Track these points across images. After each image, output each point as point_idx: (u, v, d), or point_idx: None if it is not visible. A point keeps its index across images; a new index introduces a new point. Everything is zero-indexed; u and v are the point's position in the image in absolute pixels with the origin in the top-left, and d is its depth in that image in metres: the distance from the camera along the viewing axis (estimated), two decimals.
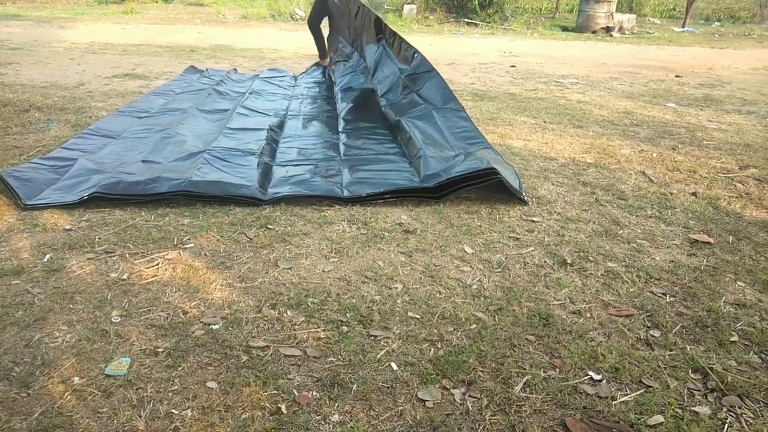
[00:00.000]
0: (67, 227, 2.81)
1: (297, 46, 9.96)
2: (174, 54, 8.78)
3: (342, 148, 4.15)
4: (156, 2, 17.94)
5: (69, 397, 1.73)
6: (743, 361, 2.00)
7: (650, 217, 3.18)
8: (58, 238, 2.70)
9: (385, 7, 16.67)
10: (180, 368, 1.86)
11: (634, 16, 15.24)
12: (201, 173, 3.34)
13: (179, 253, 2.60)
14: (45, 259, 2.50)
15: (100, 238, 2.71)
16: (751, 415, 1.76)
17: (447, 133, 4.04)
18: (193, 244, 2.69)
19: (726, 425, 1.72)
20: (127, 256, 2.56)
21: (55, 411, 1.67)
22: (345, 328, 2.09)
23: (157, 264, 2.50)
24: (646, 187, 3.63)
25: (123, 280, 2.37)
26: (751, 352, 2.06)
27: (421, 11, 15.61)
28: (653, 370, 1.94)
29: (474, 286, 2.42)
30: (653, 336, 2.13)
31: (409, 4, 15.74)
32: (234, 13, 16.06)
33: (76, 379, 1.80)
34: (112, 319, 2.10)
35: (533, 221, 3.06)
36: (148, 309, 2.18)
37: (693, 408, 1.78)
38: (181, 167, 3.48)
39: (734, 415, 1.76)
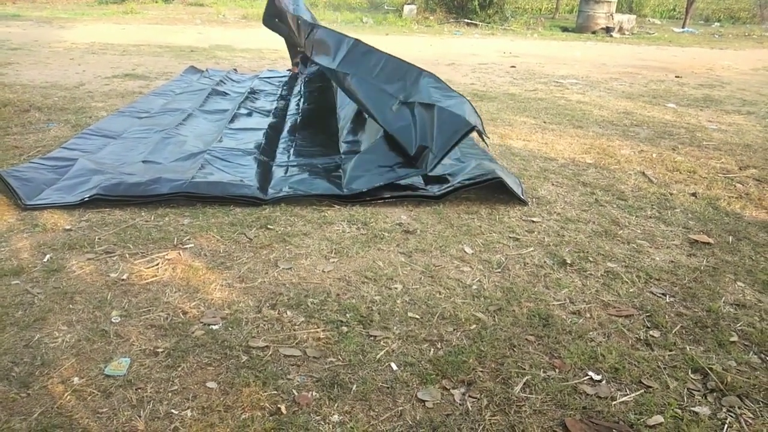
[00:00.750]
0: (67, 227, 2.81)
1: None
2: (174, 54, 8.78)
3: (342, 146, 4.15)
4: (156, 2, 17.95)
5: (69, 397, 1.73)
6: (743, 362, 2.00)
7: (650, 217, 3.18)
8: (58, 238, 2.70)
9: (386, 7, 16.69)
10: (180, 368, 1.86)
11: (634, 16, 15.26)
12: (202, 174, 3.34)
13: (179, 253, 2.61)
14: (45, 260, 2.51)
15: (100, 239, 2.71)
16: (751, 416, 1.76)
17: (379, 81, 3.87)
18: (193, 245, 2.69)
19: (726, 425, 1.72)
20: (127, 256, 2.57)
21: (55, 411, 1.67)
22: (345, 329, 2.09)
23: (157, 264, 2.51)
24: (645, 187, 3.63)
25: (123, 280, 2.37)
26: (751, 353, 2.06)
27: (421, 12, 15.62)
28: (653, 371, 1.94)
29: (474, 287, 2.42)
30: (653, 336, 2.13)
31: (409, 4, 15.75)
32: (234, 13, 16.07)
33: (76, 380, 1.80)
34: (112, 320, 2.10)
35: (533, 221, 3.06)
36: (147, 309, 2.18)
37: (693, 408, 1.78)
38: (182, 167, 3.48)
39: (734, 416, 1.76)
